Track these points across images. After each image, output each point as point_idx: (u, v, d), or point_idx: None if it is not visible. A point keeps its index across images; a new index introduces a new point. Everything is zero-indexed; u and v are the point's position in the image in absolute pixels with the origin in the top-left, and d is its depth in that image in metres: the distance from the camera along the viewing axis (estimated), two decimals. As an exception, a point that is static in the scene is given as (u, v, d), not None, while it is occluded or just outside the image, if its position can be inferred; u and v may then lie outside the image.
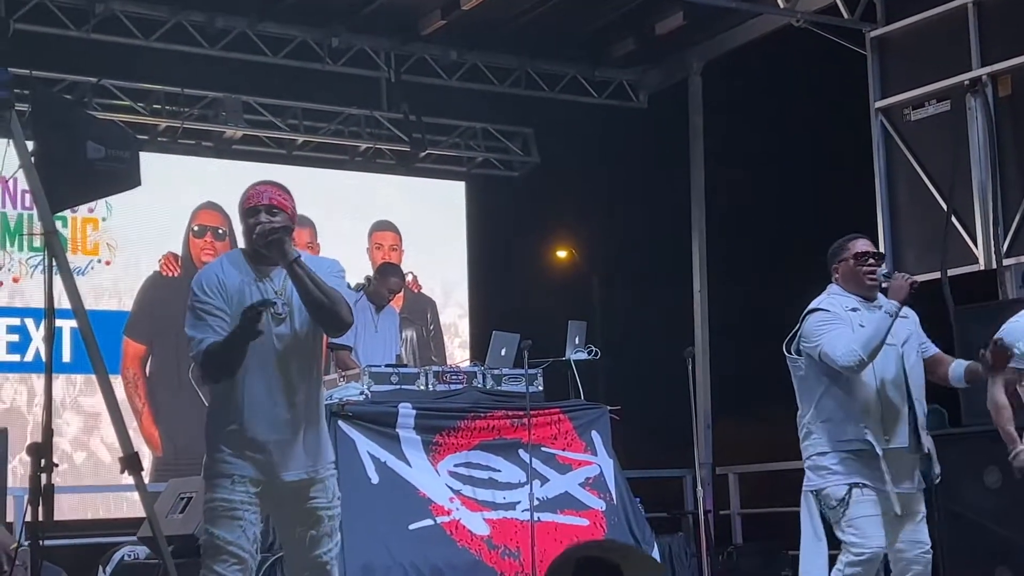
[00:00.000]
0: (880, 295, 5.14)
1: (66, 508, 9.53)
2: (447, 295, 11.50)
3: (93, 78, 9.96)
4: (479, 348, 10.00)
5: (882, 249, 8.61)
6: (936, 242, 8.21)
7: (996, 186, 8.01)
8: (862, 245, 5.19)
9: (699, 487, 8.14)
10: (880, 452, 4.95)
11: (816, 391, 5.13)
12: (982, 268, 8.08)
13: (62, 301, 4.12)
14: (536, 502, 7.28)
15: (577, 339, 8.25)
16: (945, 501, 7.20)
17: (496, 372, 7.82)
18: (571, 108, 11.41)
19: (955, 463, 7.10)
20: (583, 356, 8.25)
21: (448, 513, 7.21)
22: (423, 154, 11.35)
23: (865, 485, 5.00)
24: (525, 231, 12.48)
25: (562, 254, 14.81)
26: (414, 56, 10.73)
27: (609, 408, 8.08)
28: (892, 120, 8.69)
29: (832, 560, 5.18)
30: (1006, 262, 7.98)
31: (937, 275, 8.09)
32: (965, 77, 8.17)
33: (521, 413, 7.48)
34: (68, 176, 3.92)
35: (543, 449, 7.63)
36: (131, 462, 3.75)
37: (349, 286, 5.70)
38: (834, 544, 5.23)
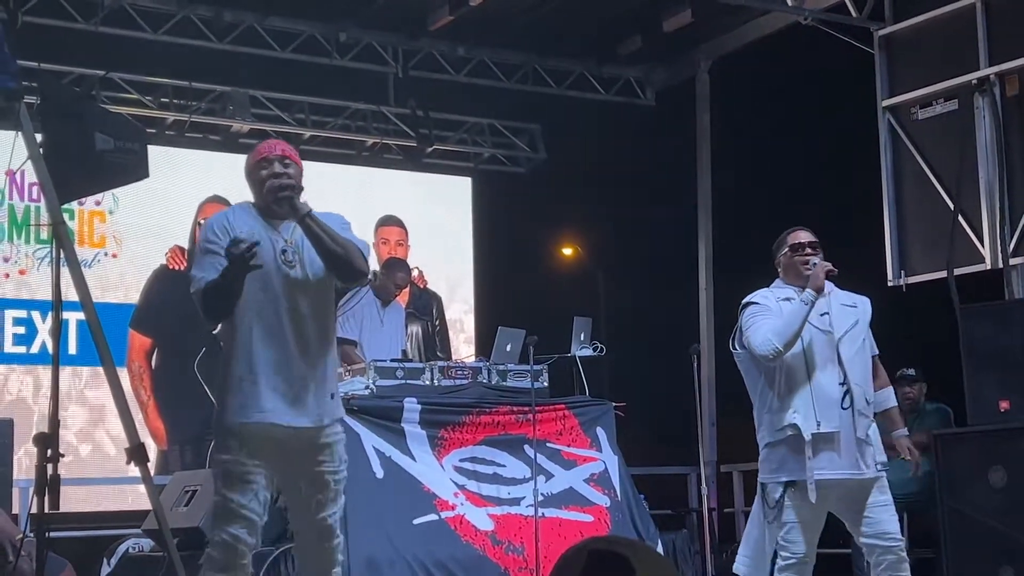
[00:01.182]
0: (829, 284, 5.21)
1: (71, 500, 9.54)
2: (453, 290, 11.50)
3: (101, 71, 9.97)
4: (484, 343, 10.01)
5: (888, 249, 8.62)
6: (943, 241, 8.20)
7: (1003, 186, 8.00)
8: (798, 236, 5.30)
9: (703, 484, 8.13)
10: (808, 437, 5.03)
11: (758, 383, 5.26)
12: (988, 268, 8.07)
13: (69, 293, 4.13)
14: (540, 498, 7.28)
15: (583, 335, 8.25)
16: (950, 500, 7.20)
17: (501, 368, 7.82)
18: (578, 105, 11.42)
19: (960, 462, 7.11)
20: (588, 352, 8.25)
21: (452, 508, 7.22)
22: (430, 149, 11.36)
23: (796, 484, 5.08)
24: (531, 227, 12.48)
25: (568, 251, 14.81)
26: (422, 51, 10.73)
27: (614, 404, 8.08)
28: (899, 119, 8.68)
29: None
30: (1013, 262, 7.97)
31: (943, 274, 8.09)
32: (973, 76, 8.16)
33: (526, 409, 7.48)
34: (76, 167, 3.93)
35: (548, 445, 7.64)
36: (137, 453, 3.76)
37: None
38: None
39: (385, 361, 7.58)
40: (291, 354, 4.29)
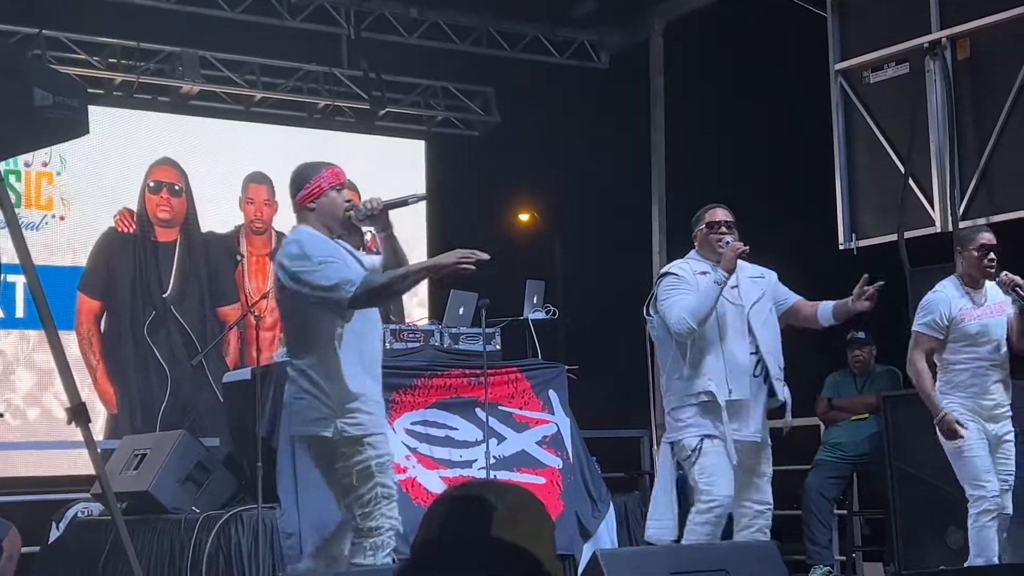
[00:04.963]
0: (742, 262, 5.51)
1: (21, 464, 9.46)
2: (406, 254, 11.41)
3: (48, 31, 9.81)
4: (437, 307, 9.97)
5: (839, 212, 8.65)
6: (894, 205, 8.23)
7: (953, 149, 8.03)
8: (716, 215, 5.59)
9: (655, 447, 8.16)
10: (722, 403, 5.33)
11: (670, 350, 5.52)
12: (939, 230, 8.12)
13: (15, 255, 4.07)
14: (493, 460, 7.29)
15: (535, 298, 8.25)
16: (897, 461, 7.28)
17: (454, 331, 7.80)
18: (532, 68, 11.36)
19: (908, 423, 7.18)
20: (541, 315, 8.24)
21: (404, 471, 7.20)
22: (383, 112, 11.27)
23: (715, 436, 5.36)
24: (485, 190, 12.42)
25: (524, 216, 14.77)
26: (374, 13, 10.63)
27: (567, 367, 8.08)
28: (851, 83, 8.68)
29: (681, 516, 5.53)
30: (962, 224, 8.01)
31: (894, 237, 8.13)
32: (924, 40, 8.17)
33: (478, 372, 7.47)
34: (14, 124, 3.85)
35: (500, 408, 7.63)
36: (78, 412, 3.71)
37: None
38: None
39: (336, 324, 7.52)
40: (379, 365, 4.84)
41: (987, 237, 6.36)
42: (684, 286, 5.43)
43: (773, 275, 5.66)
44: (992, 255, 6.24)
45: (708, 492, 5.32)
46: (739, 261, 5.47)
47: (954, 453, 6.16)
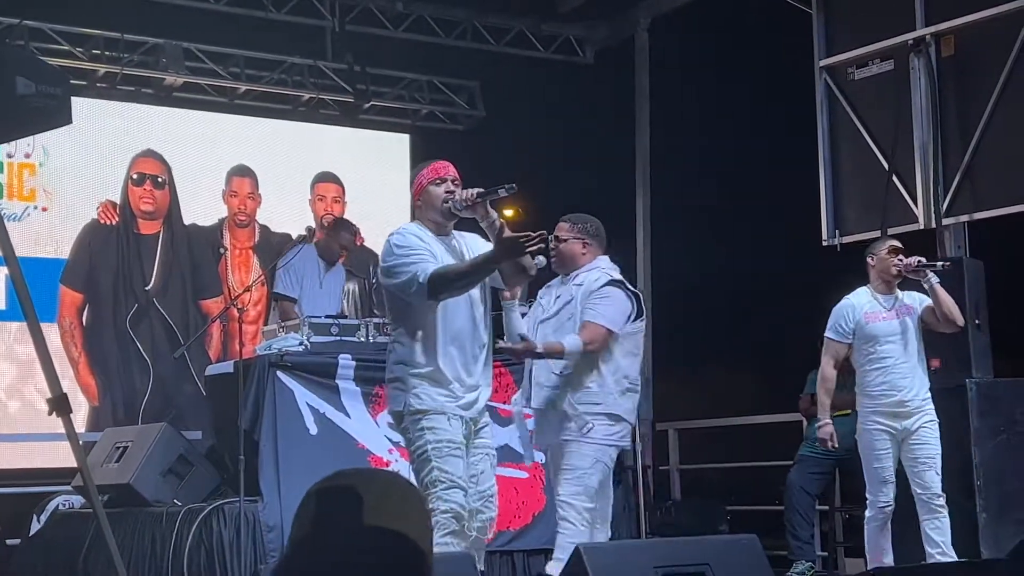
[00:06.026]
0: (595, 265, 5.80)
1: (1, 457, 9.42)
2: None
3: (31, 21, 9.76)
4: (421, 301, 9.93)
5: (823, 208, 8.67)
6: (877, 201, 8.26)
7: (937, 146, 8.05)
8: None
9: (638, 442, 8.17)
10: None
11: None
12: (922, 227, 8.15)
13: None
14: (475, 454, 7.27)
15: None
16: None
17: (438, 324, 7.77)
18: (517, 62, 11.35)
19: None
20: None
21: (387, 465, 7.19)
22: (367, 105, 11.24)
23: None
24: (469, 184, 12.39)
25: (508, 212, 14.75)
26: (359, 6, 10.61)
27: (550, 362, 8.07)
28: (836, 79, 8.71)
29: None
30: (945, 222, 8.05)
31: (877, 233, 8.14)
32: (909, 37, 8.19)
33: (462, 365, 7.44)
34: (-3, 112, 3.83)
35: (483, 402, 7.62)
36: (59, 404, 3.69)
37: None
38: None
39: (320, 317, 7.51)
40: (475, 346, 4.96)
41: (896, 242, 6.67)
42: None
43: (596, 283, 5.69)
44: (901, 256, 6.47)
45: None
46: (585, 272, 5.72)
47: (863, 456, 6.53)
